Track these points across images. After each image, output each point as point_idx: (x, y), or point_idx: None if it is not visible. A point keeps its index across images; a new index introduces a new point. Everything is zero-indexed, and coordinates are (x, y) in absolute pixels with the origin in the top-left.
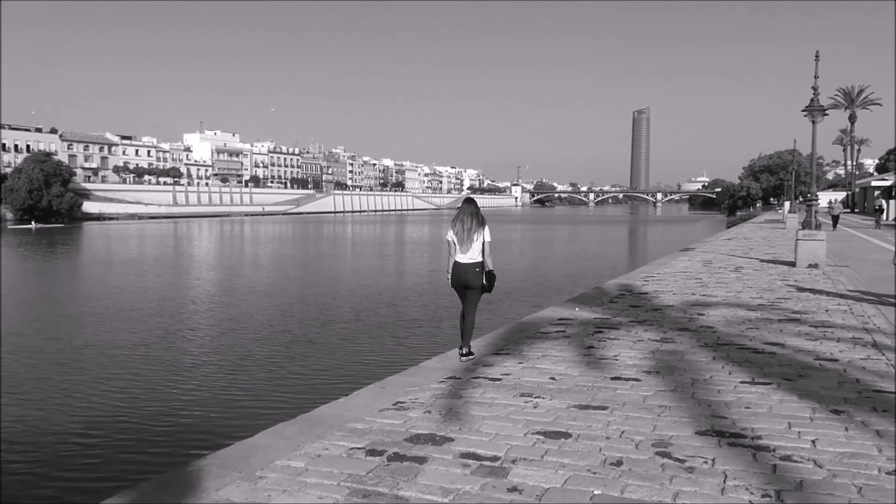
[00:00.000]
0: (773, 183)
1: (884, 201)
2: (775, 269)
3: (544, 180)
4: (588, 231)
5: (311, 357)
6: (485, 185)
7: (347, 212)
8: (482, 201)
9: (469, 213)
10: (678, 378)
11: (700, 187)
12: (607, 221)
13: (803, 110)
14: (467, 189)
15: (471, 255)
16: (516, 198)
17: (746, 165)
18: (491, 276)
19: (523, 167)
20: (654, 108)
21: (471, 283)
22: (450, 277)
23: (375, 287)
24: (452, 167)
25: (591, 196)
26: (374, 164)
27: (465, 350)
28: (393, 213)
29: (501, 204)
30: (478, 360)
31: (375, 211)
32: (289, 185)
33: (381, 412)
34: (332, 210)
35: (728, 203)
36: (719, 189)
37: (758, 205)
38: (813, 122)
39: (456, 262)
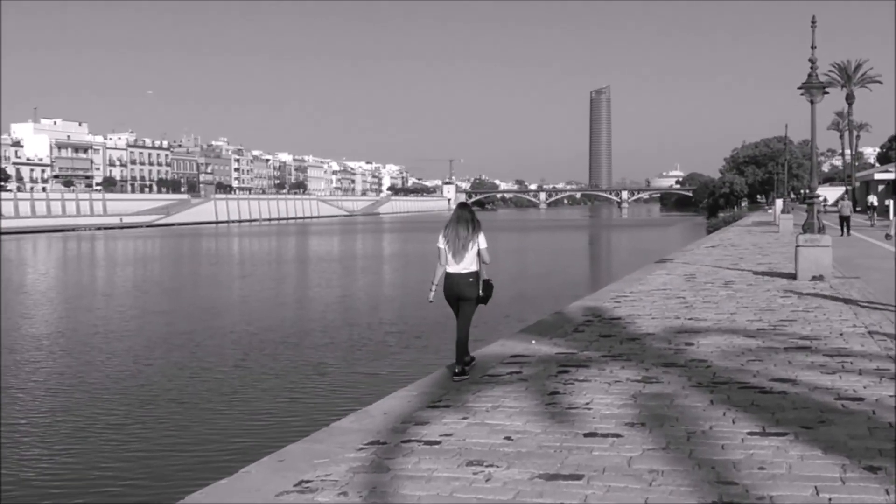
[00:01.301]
0: (761, 177)
1: (891, 202)
2: (773, 283)
3: (484, 177)
4: (540, 239)
5: (172, 422)
6: (409, 183)
7: (233, 221)
8: (403, 204)
9: (464, 221)
10: (670, 431)
11: (673, 183)
12: (563, 227)
13: (800, 87)
14: (387, 190)
15: (465, 265)
16: (449, 199)
17: (728, 156)
18: (488, 285)
19: (457, 162)
20: (614, 87)
21: (465, 294)
22: (434, 289)
23: (269, 321)
24: (368, 163)
25: (543, 196)
26: (268, 160)
27: (458, 369)
28: (293, 221)
29: (430, 207)
30: (408, 417)
31: (270, 220)
32: (155, 188)
33: (277, 497)
34: (214, 220)
35: (707, 202)
36: (696, 186)
37: (743, 203)
38: (811, 102)
39: (448, 273)
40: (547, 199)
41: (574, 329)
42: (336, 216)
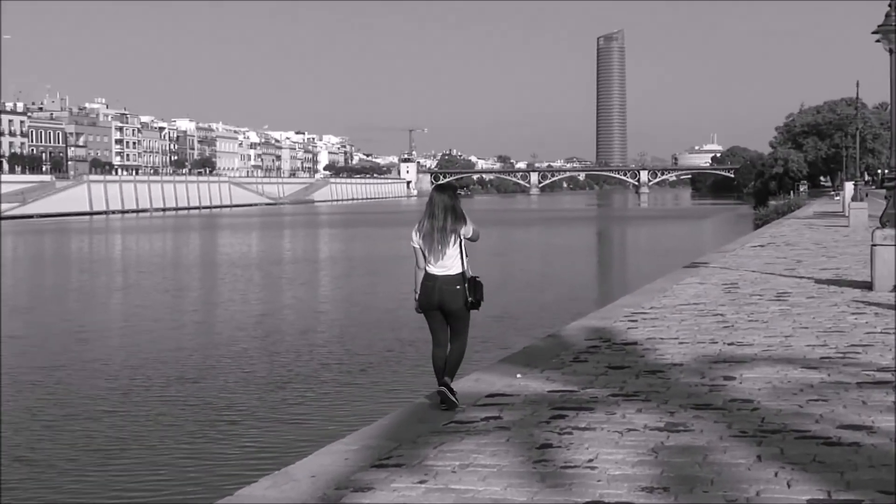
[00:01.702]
0: (825, 152)
1: None
2: (841, 296)
3: (455, 153)
4: (531, 236)
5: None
6: (354, 161)
7: (114, 212)
8: (347, 189)
9: (442, 208)
10: (703, 498)
11: (709, 161)
12: (562, 219)
13: (875, 31)
14: (325, 170)
15: (446, 265)
16: (409, 182)
17: (781, 125)
18: (476, 284)
19: (419, 132)
20: (629, 31)
21: (449, 305)
22: (417, 297)
23: (160, 349)
24: (300, 133)
25: (534, 178)
26: (162, 130)
27: (447, 380)
28: (196, 212)
29: (383, 193)
30: (345, 480)
31: (165, 210)
32: (6, 166)
33: None
34: (88, 210)
35: (754, 186)
36: (739, 164)
37: (801, 187)
38: (890, 52)
39: (428, 275)
40: (540, 182)
41: (574, 358)
42: (255, 205)
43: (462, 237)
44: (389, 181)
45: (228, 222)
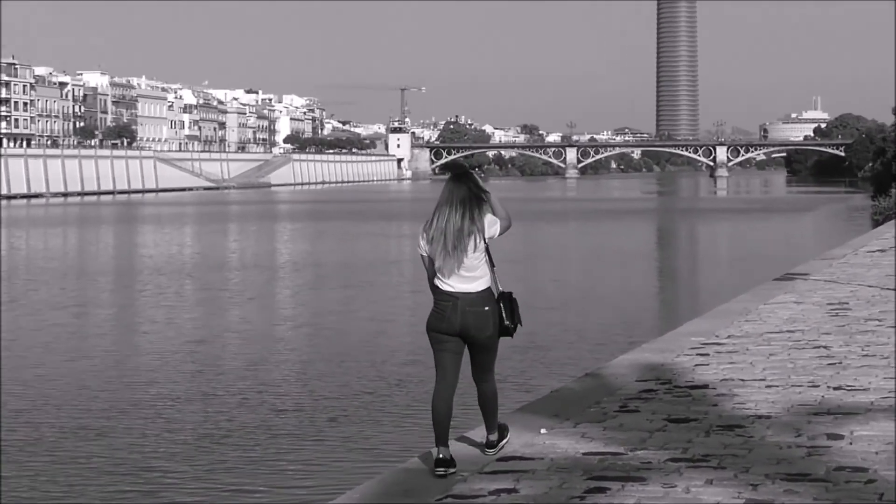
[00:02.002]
0: None
1: None
2: None
3: (464, 120)
4: (566, 236)
5: None
6: (325, 131)
7: None
8: (316, 168)
9: (460, 201)
10: None
11: (810, 134)
12: (608, 213)
13: None
14: (284, 143)
15: (466, 278)
16: (400, 160)
17: None
18: (510, 301)
19: (414, 92)
20: None
21: (476, 333)
22: (431, 317)
23: (51, 386)
24: (252, 92)
25: (571, 155)
26: (65, 86)
27: (490, 438)
28: (110, 197)
29: (366, 174)
30: None
31: (67, 194)
32: None
33: None
34: None
35: (872, 168)
36: (851, 138)
37: None
38: None
39: (443, 294)
40: (579, 161)
41: (620, 406)
42: (190, 189)
43: (486, 240)
44: (374, 158)
45: (153, 213)
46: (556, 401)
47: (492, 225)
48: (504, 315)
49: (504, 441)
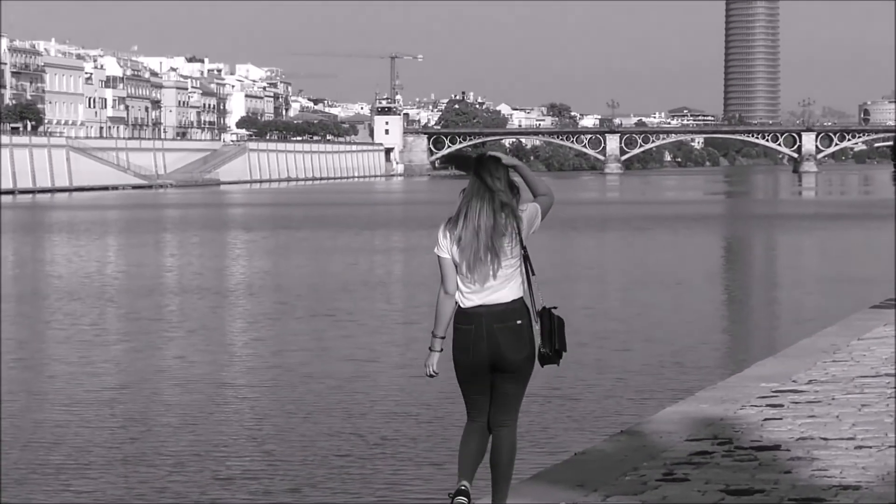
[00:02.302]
0: None
1: None
2: None
3: (473, 98)
4: (604, 250)
5: None
6: (292, 111)
7: None
8: (279, 160)
9: (488, 198)
10: None
11: None
12: (661, 220)
13: None
14: (237, 128)
15: (498, 290)
16: (389, 150)
17: None
18: (551, 318)
19: (409, 61)
20: None
21: (508, 355)
22: (438, 346)
23: None
24: (195, 61)
25: (613, 144)
26: None
27: None
28: (9, 198)
29: (346, 169)
30: None
31: None
32: None
33: None
34: None
35: None
36: None
37: None
38: None
39: (465, 312)
40: (623, 152)
41: (664, 474)
42: (114, 187)
43: (524, 240)
44: (355, 148)
45: (64, 219)
46: (583, 466)
47: (533, 217)
48: (545, 337)
49: None
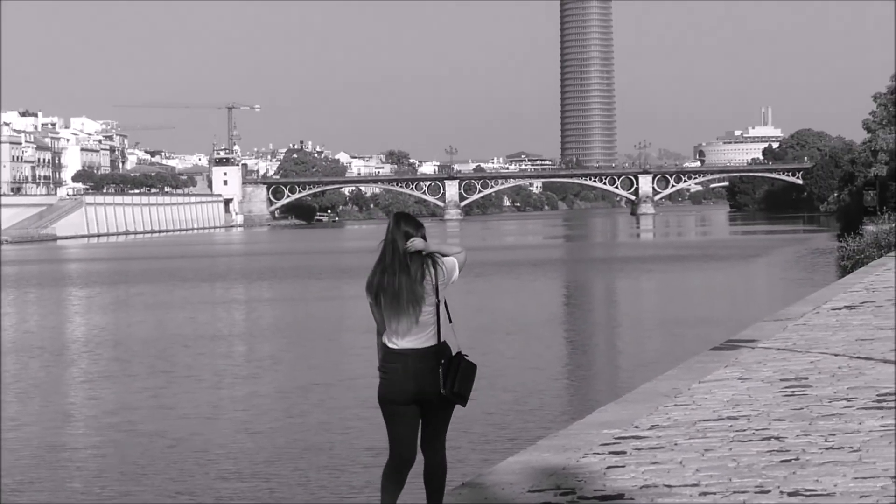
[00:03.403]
0: None
1: None
2: None
3: (312, 147)
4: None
5: None
6: (129, 164)
7: None
8: (117, 214)
9: (405, 251)
10: None
11: (758, 157)
12: (500, 265)
13: None
14: (73, 182)
15: (422, 334)
16: (228, 201)
17: (883, 91)
18: (464, 365)
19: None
20: None
21: (429, 388)
22: (381, 382)
23: None
24: (28, 115)
25: (452, 191)
26: None
27: None
28: None
29: (185, 221)
30: None
31: None
32: None
33: None
34: None
35: (838, 199)
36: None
37: None
38: None
39: (392, 352)
40: (462, 198)
41: None
42: None
43: (441, 286)
44: (194, 200)
45: None
46: None
47: (451, 270)
48: (447, 379)
49: None
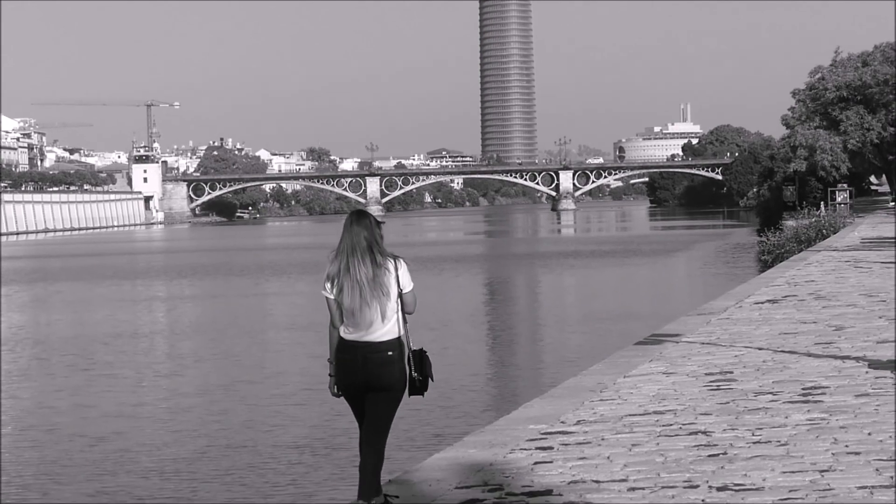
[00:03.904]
0: (879, 133)
1: None
2: None
3: (232, 144)
4: None
5: None
6: (48, 162)
7: None
8: (34, 214)
9: (365, 244)
10: None
11: (678, 153)
12: (422, 261)
13: None
14: None
15: (377, 328)
16: (148, 198)
17: (802, 87)
18: (423, 359)
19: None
20: None
21: (381, 381)
22: (332, 373)
23: None
24: None
25: (373, 187)
26: None
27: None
28: None
29: (105, 218)
30: None
31: None
32: None
33: None
34: None
35: (758, 194)
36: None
37: (840, 195)
38: None
39: (346, 344)
40: (383, 195)
41: None
42: None
43: (401, 286)
44: (113, 197)
45: None
46: None
47: (407, 277)
48: (412, 368)
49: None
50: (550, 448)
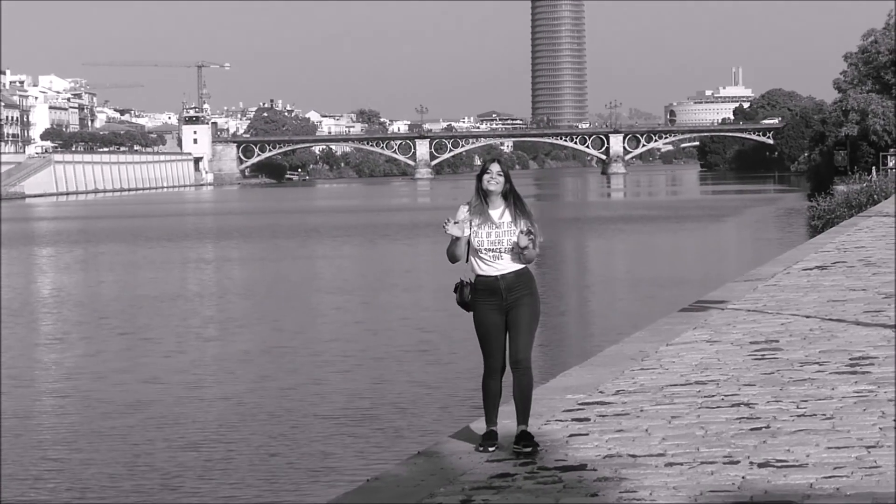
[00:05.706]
0: None
1: None
2: None
3: (282, 106)
4: (414, 256)
5: None
6: (98, 123)
7: None
8: (86, 172)
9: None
10: None
11: (729, 117)
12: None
13: None
14: (41, 140)
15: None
16: (198, 160)
17: (854, 51)
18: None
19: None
20: None
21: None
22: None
23: None
24: None
25: (423, 150)
26: None
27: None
28: None
29: (155, 179)
30: None
31: None
32: None
33: None
34: None
35: (809, 158)
36: (782, 121)
37: (893, 161)
38: None
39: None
40: (433, 157)
41: (462, 501)
42: None
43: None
44: (163, 158)
45: None
46: (374, 493)
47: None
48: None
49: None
50: (587, 420)
